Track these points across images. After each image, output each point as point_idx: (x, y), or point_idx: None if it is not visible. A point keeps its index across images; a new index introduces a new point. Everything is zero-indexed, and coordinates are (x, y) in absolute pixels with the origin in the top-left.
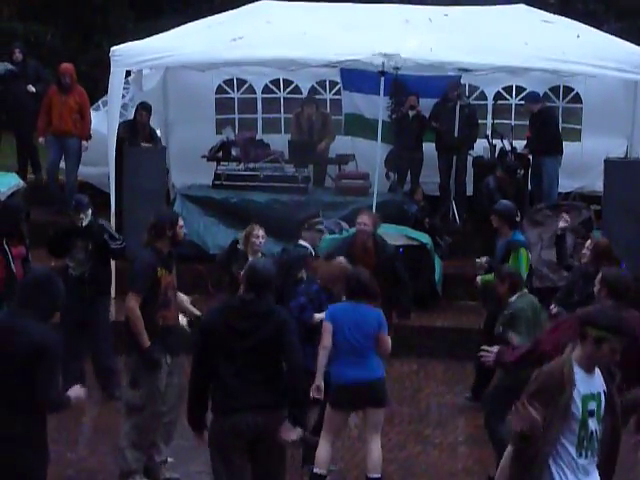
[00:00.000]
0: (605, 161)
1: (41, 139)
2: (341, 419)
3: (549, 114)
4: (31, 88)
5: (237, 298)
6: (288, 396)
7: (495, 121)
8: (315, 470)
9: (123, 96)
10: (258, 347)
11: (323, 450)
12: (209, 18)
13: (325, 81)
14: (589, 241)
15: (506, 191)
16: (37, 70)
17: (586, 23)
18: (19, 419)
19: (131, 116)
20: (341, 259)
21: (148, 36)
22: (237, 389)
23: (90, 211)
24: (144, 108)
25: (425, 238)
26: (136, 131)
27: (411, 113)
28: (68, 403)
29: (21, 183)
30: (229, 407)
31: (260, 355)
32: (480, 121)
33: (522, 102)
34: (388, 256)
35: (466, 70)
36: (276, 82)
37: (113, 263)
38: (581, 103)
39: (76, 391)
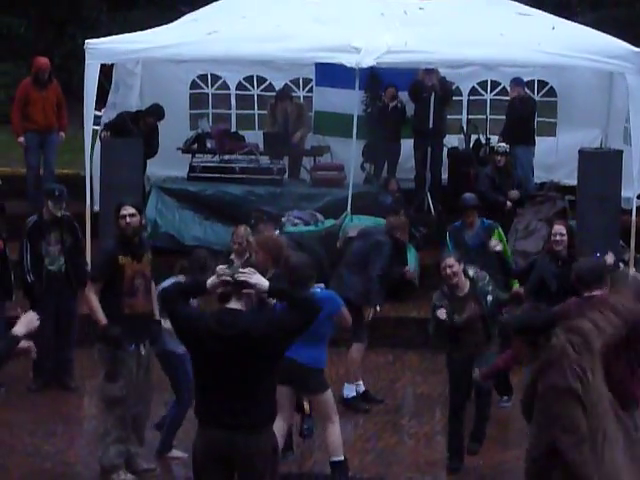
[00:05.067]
0: (579, 152)
1: (21, 139)
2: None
3: (529, 102)
4: None
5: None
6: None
7: (470, 116)
8: None
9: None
10: (242, 354)
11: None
12: (184, 18)
13: (299, 79)
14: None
15: (496, 180)
16: None
17: (561, 14)
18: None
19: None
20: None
21: (121, 28)
22: (217, 401)
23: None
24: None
25: None
26: (137, 122)
27: (391, 104)
28: None
29: None
30: (207, 420)
31: (244, 364)
32: (455, 116)
33: (497, 97)
34: None
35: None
36: (250, 79)
37: (89, 256)
38: (556, 97)
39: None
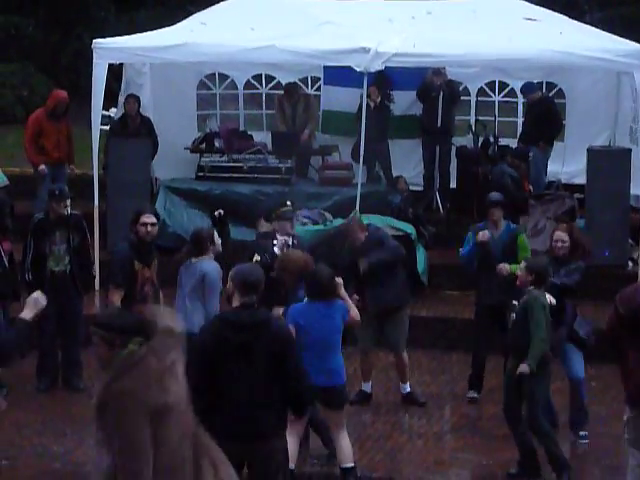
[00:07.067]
0: (588, 150)
1: (42, 167)
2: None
3: (550, 102)
4: None
5: (231, 310)
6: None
7: (479, 117)
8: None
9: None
10: (257, 362)
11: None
12: (192, 18)
13: (307, 77)
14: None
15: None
16: None
17: (568, 13)
18: None
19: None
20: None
21: (129, 28)
22: (231, 413)
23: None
24: (131, 97)
25: (409, 228)
26: (125, 123)
27: (372, 104)
28: None
29: (5, 179)
30: (220, 435)
31: (259, 372)
32: (463, 117)
33: (505, 99)
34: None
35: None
36: (258, 78)
37: (97, 255)
38: (564, 99)
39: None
